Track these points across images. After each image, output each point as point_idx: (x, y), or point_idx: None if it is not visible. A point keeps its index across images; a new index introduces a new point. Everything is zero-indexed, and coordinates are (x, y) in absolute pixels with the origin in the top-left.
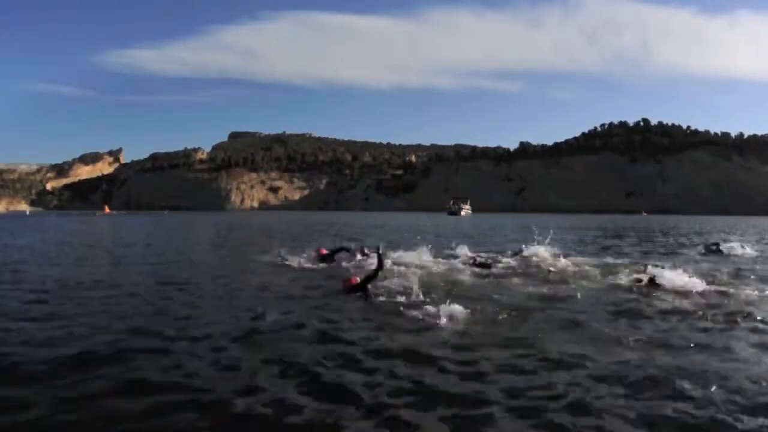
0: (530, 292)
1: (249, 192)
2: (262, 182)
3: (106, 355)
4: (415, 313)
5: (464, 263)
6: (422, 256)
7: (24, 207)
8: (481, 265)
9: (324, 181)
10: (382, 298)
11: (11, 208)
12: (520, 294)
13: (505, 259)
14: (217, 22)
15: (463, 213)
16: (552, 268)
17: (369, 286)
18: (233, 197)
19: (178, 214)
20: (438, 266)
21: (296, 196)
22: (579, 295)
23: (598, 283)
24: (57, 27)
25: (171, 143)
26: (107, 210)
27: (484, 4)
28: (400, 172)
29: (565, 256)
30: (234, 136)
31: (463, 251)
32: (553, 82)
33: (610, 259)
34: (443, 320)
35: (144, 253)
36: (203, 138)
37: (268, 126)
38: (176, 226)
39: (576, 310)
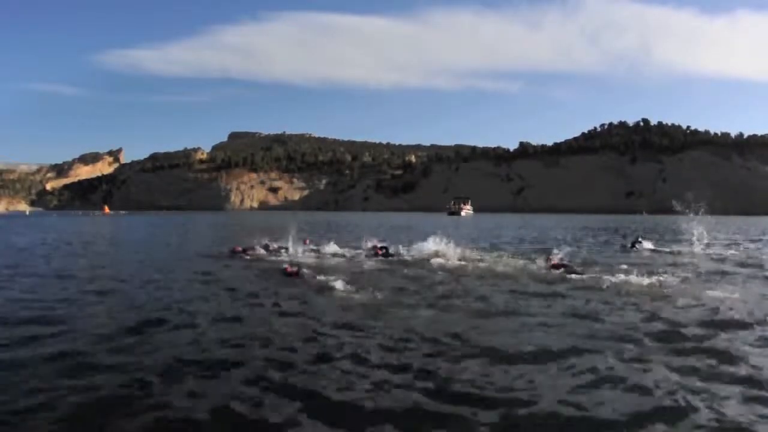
0: (404, 273)
1: (249, 192)
2: (262, 182)
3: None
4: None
5: (368, 253)
6: (336, 245)
7: (24, 207)
8: (385, 254)
9: (324, 182)
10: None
11: (11, 208)
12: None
13: (405, 250)
14: (217, 22)
15: (463, 213)
16: (440, 260)
17: (301, 270)
18: (233, 197)
19: (174, 214)
20: (348, 254)
21: (296, 196)
22: (443, 280)
23: (472, 272)
24: (57, 27)
25: (171, 143)
26: (107, 210)
27: (484, 5)
28: (399, 172)
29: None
30: (234, 136)
31: (370, 243)
32: (553, 82)
33: (505, 253)
34: (333, 295)
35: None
36: (203, 138)
37: (268, 126)
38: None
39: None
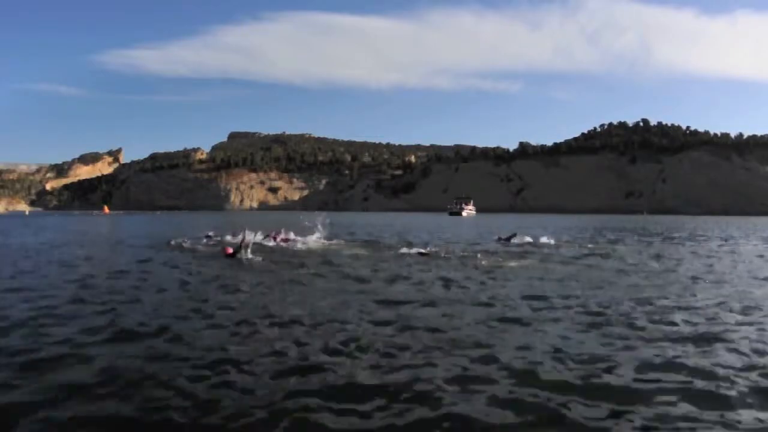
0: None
1: (248, 192)
2: (262, 182)
3: None
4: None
5: (275, 241)
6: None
7: (23, 207)
8: (285, 240)
9: (323, 182)
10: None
11: (10, 209)
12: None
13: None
14: (217, 22)
15: (464, 213)
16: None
17: (238, 254)
18: (233, 197)
19: (171, 214)
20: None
21: (296, 196)
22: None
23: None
24: (57, 27)
25: (171, 143)
26: (106, 210)
27: (484, 5)
28: (399, 172)
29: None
30: (233, 136)
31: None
32: (553, 82)
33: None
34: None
35: None
36: (203, 138)
37: (267, 126)
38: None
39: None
